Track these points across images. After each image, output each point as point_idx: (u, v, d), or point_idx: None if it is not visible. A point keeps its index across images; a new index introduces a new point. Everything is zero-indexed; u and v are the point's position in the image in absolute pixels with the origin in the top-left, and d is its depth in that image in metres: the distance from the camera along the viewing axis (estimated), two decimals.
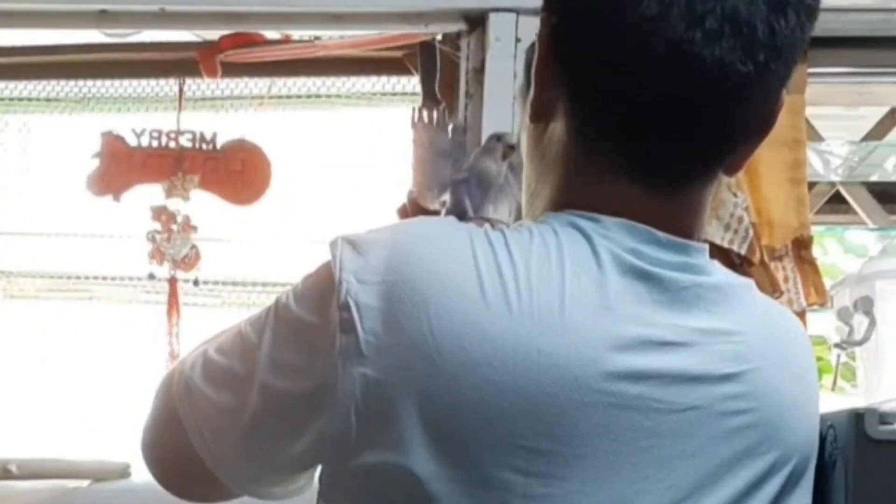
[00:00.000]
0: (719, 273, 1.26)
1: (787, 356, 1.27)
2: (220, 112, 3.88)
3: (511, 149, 1.53)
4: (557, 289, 1.16)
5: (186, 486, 1.31)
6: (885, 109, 3.61)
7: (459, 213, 1.53)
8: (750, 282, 1.30)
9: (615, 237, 1.20)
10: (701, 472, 1.19)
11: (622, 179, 1.22)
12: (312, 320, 1.19)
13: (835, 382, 3.70)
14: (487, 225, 1.21)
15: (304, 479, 1.29)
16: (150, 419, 1.32)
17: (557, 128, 1.25)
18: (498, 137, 1.54)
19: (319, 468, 1.24)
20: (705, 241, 1.27)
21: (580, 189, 1.23)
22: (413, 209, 1.66)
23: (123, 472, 3.38)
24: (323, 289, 1.18)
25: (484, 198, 1.56)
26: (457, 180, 1.58)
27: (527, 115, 1.28)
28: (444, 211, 1.57)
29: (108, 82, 3.83)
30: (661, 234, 1.21)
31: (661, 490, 1.17)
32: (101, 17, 3.08)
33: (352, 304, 1.15)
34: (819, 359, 4.25)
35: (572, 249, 1.18)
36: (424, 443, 1.13)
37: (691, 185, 1.24)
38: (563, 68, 1.23)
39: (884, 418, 2.27)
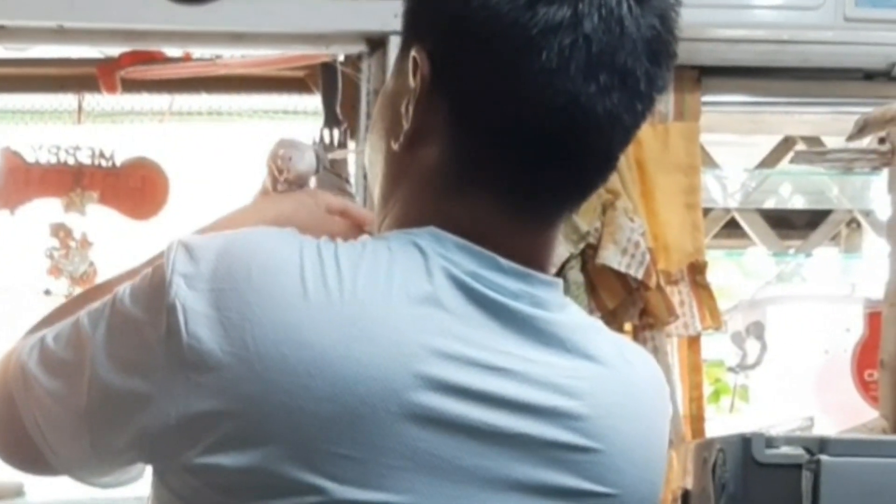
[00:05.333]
0: (566, 310, 1.27)
1: (632, 399, 1.27)
2: (120, 126, 3.86)
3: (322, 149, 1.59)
4: (383, 300, 1.17)
5: (25, 463, 1.33)
6: (778, 137, 3.67)
7: None
8: (599, 324, 1.32)
9: (454, 258, 1.21)
10: (525, 500, 1.21)
11: (492, 210, 1.24)
12: (143, 317, 1.20)
13: (732, 404, 3.74)
14: (324, 238, 1.21)
15: (136, 470, 1.30)
16: None
17: (427, 153, 1.25)
18: (291, 144, 1.57)
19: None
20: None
21: (444, 214, 1.24)
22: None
23: (18, 492, 3.36)
24: (155, 288, 1.20)
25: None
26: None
27: (391, 140, 1.28)
28: None
29: (6, 96, 3.80)
30: (503, 261, 1.23)
31: None
32: None
33: (178, 307, 1.17)
34: (717, 381, 4.31)
35: (405, 265, 1.20)
36: (241, 445, 1.15)
37: (556, 221, 1.28)
38: (445, 100, 1.24)
39: (770, 442, 2.30)
